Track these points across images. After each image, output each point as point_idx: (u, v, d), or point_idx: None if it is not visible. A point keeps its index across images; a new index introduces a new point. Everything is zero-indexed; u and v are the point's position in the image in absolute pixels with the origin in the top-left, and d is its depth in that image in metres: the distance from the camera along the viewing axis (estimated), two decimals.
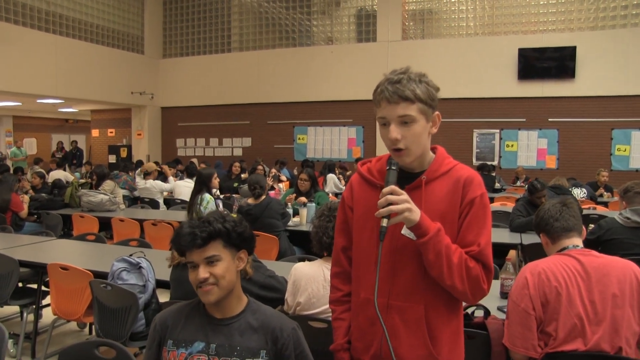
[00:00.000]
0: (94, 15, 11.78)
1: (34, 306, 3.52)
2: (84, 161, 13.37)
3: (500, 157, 10.83)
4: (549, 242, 2.05)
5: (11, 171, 8.13)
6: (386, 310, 1.40)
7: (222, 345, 1.48)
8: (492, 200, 7.01)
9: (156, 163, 9.23)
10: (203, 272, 1.44)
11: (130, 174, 8.14)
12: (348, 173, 9.34)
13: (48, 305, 3.36)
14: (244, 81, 12.53)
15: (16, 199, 5.62)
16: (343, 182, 8.58)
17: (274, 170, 8.71)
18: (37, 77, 10.22)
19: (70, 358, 1.79)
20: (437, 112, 1.39)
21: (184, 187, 7.10)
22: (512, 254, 4.44)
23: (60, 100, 12.19)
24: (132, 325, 2.65)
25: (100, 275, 2.91)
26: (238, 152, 12.95)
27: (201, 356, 1.48)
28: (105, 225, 5.45)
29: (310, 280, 2.23)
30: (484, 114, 10.80)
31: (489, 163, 9.92)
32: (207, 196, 4.34)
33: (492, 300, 2.40)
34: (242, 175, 8.67)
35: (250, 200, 4.54)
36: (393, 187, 1.31)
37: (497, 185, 8.94)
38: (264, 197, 4.49)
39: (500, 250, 3.95)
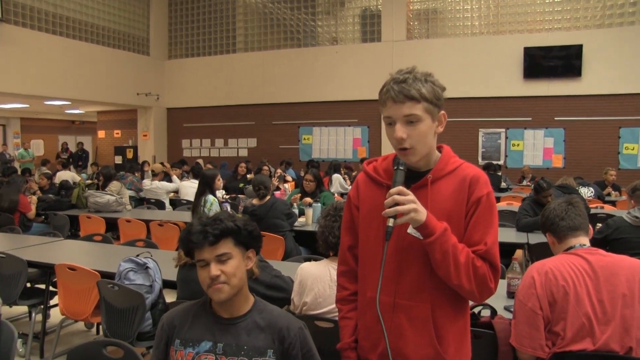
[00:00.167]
0: (100, 18, 11.86)
1: (42, 306, 3.55)
2: (90, 162, 13.43)
3: (506, 156, 10.78)
4: (556, 241, 2.04)
5: (19, 172, 8.19)
6: (392, 309, 1.40)
7: (229, 344, 1.48)
8: (498, 199, 6.97)
9: (161, 164, 9.27)
10: (215, 269, 1.44)
11: (136, 174, 8.18)
12: (353, 173, 9.34)
13: (56, 305, 3.38)
14: (249, 82, 12.55)
15: (24, 200, 5.66)
16: (348, 182, 8.57)
17: (279, 171, 8.71)
18: (45, 79, 10.29)
19: (78, 358, 1.80)
20: (442, 112, 1.39)
21: (190, 188, 7.13)
22: (518, 253, 4.43)
23: (68, 101, 12.27)
24: (139, 325, 2.66)
25: (107, 276, 2.93)
26: (243, 152, 12.98)
27: (208, 355, 1.48)
28: (112, 226, 5.49)
29: (316, 280, 2.23)
30: (490, 113, 10.75)
31: (494, 162, 9.85)
32: (210, 197, 4.36)
33: (498, 300, 2.40)
34: (248, 176, 8.69)
35: (254, 201, 4.55)
36: (400, 187, 1.31)
37: (503, 184, 8.89)
38: (268, 197, 4.50)
39: (507, 250, 3.96)
